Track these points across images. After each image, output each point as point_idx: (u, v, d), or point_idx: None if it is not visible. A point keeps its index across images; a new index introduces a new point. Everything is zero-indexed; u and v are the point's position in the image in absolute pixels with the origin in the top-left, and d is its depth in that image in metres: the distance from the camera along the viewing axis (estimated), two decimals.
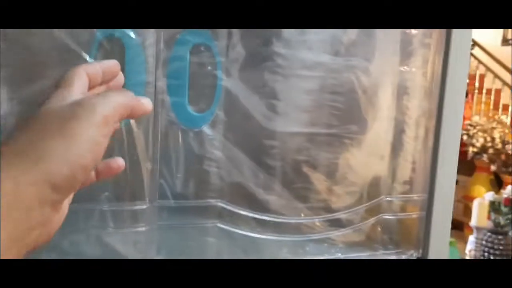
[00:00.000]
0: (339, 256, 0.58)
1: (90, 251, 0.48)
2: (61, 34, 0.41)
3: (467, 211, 2.99)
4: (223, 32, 0.49)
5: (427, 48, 0.59)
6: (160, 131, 0.48)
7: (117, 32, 0.44)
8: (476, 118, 3.62)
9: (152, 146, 0.48)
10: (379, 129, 0.58)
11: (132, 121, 0.47)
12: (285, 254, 0.56)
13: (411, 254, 0.61)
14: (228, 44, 0.49)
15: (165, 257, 0.50)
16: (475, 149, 3.37)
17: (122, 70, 0.45)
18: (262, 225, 0.54)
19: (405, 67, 0.58)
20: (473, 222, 2.59)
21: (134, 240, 0.49)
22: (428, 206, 0.60)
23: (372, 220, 0.59)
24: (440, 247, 0.61)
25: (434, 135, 0.59)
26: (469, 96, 3.92)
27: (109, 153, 0.46)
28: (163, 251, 0.50)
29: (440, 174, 0.59)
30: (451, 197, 0.60)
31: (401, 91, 0.58)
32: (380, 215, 0.60)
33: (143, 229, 0.49)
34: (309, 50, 0.53)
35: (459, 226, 3.24)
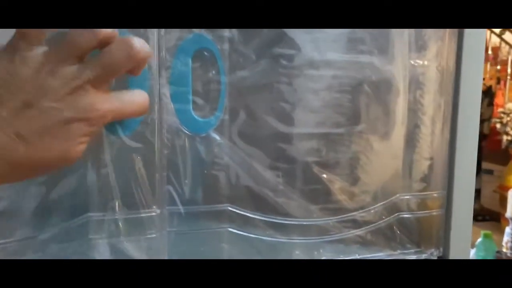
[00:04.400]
0: (356, 257, 0.57)
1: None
2: None
3: (503, 201, 2.89)
4: (225, 35, 0.48)
5: (441, 40, 0.57)
6: (166, 137, 0.48)
7: None
8: (509, 105, 3.49)
9: (159, 153, 0.48)
10: (393, 126, 0.56)
11: (138, 129, 0.47)
12: (299, 256, 0.55)
13: (431, 253, 0.59)
14: (230, 48, 0.49)
15: None
16: (509, 137, 3.25)
17: (125, 78, 0.46)
18: (275, 228, 0.54)
19: (418, 61, 0.56)
20: (508, 213, 2.50)
21: (146, 247, 0.49)
22: (447, 203, 0.59)
23: (389, 219, 0.58)
24: (462, 245, 0.59)
25: (451, 129, 0.57)
26: (502, 82, 3.77)
27: (116, 161, 0.47)
28: (174, 257, 0.50)
29: (459, 169, 0.57)
30: (471, 193, 0.58)
31: (414, 86, 0.56)
32: (397, 214, 0.58)
33: (153, 236, 0.49)
34: (315, 49, 0.52)
35: (495, 217, 3.13)
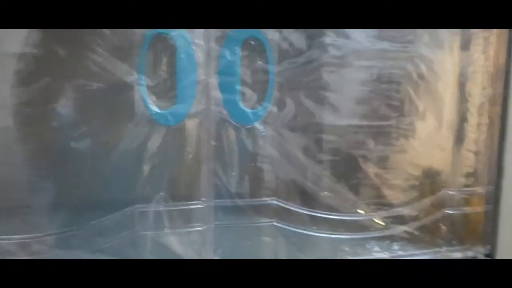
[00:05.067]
0: (401, 253, 0.55)
1: (147, 253, 0.47)
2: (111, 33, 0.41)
3: None
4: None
5: (489, 30, 0.55)
6: (213, 129, 0.47)
7: (168, 30, 0.43)
8: None
9: (206, 145, 0.47)
10: (440, 119, 0.55)
11: (185, 120, 0.46)
12: (343, 252, 0.54)
13: (478, 251, 0.58)
14: (279, 38, 0.47)
15: (221, 257, 0.49)
16: None
17: (173, 69, 0.45)
18: (320, 223, 0.52)
19: (466, 52, 0.54)
20: None
21: (191, 240, 0.48)
22: (495, 199, 0.57)
23: (435, 215, 0.56)
24: (510, 242, 0.57)
25: (500, 122, 0.55)
26: None
27: (162, 152, 0.46)
28: (219, 250, 0.49)
29: (508, 164, 0.55)
30: None
31: (463, 78, 0.55)
32: (443, 209, 0.56)
33: (200, 229, 0.48)
34: (364, 39, 0.50)
35: None
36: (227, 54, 0.46)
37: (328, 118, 0.50)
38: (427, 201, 0.56)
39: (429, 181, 0.56)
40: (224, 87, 0.46)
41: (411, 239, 0.56)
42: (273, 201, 0.50)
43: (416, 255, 0.55)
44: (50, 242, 0.45)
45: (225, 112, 0.47)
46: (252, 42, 0.47)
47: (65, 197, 0.46)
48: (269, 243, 0.51)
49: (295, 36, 0.48)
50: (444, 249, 0.57)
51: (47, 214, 0.46)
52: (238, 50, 0.46)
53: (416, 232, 0.56)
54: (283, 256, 0.51)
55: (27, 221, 0.45)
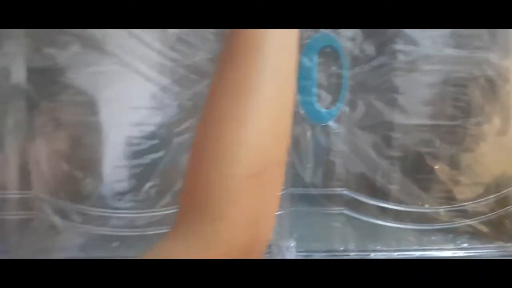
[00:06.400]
0: (465, 246, 0.58)
1: None
2: None
3: None
4: (347, 34, 0.53)
5: None
6: (292, 126, 0.54)
7: None
8: None
9: None
10: (506, 120, 0.57)
11: None
12: (408, 242, 0.58)
13: None
14: (353, 45, 0.53)
15: (296, 240, 0.55)
16: None
17: None
18: (386, 213, 0.57)
19: None
20: None
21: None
22: None
23: (500, 211, 0.59)
24: None
25: None
26: None
27: None
28: (294, 235, 0.56)
29: None
30: None
31: None
32: (509, 207, 0.59)
33: (279, 213, 0.55)
34: (433, 45, 0.55)
35: None
36: (306, 61, 0.52)
37: (396, 117, 0.55)
38: (492, 198, 0.59)
39: (496, 179, 0.59)
40: (302, 90, 0.53)
41: (475, 234, 0.59)
42: (344, 191, 0.56)
43: (480, 248, 0.58)
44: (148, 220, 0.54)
45: (302, 111, 0.54)
46: (328, 50, 0.53)
47: (169, 181, 0.54)
48: (339, 229, 0.56)
49: (367, 44, 0.53)
50: (509, 244, 0.59)
51: None
52: (315, 57, 0.52)
53: (481, 227, 0.59)
54: (351, 242, 0.57)
55: None
